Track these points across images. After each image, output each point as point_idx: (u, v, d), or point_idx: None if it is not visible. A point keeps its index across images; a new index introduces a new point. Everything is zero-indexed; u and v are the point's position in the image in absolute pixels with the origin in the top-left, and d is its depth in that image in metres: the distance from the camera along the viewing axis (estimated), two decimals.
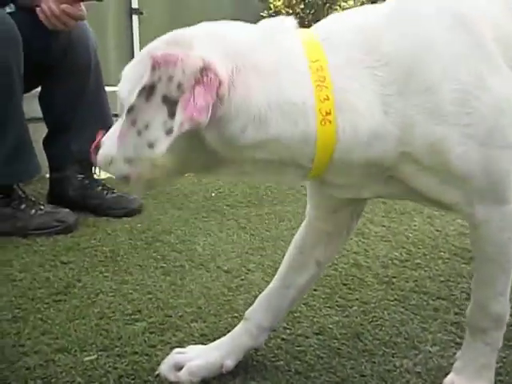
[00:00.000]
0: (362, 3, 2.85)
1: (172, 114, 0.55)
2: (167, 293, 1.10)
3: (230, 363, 0.80)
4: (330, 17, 0.70)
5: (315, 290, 1.13)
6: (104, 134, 0.67)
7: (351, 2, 2.82)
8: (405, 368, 0.84)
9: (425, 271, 1.24)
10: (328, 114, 0.61)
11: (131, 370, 0.81)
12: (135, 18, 3.10)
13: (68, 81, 1.60)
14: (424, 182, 0.68)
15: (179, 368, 0.79)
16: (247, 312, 0.85)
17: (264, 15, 2.88)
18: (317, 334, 0.94)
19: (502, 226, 0.70)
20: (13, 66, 1.36)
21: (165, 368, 0.79)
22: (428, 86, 0.62)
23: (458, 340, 0.92)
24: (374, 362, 0.85)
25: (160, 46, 0.61)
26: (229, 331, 0.93)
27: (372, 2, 2.83)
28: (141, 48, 2.83)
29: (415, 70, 0.63)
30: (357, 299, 1.09)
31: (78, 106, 1.63)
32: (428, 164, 0.65)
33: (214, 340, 0.90)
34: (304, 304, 1.06)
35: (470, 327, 0.78)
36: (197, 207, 1.77)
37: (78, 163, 1.66)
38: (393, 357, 0.87)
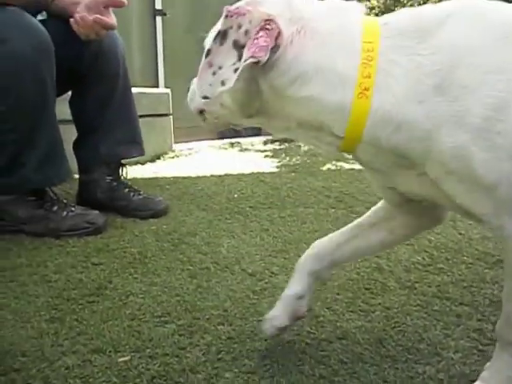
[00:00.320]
0: (385, 4, 2.83)
1: (240, 57, 0.65)
2: (194, 295, 1.13)
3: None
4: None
5: (338, 294, 1.16)
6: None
7: (374, 2, 2.80)
8: (427, 375, 0.85)
9: (447, 276, 1.25)
10: (366, 89, 0.67)
11: (163, 371, 0.85)
12: (159, 19, 3.15)
13: (98, 87, 1.66)
14: (451, 187, 0.69)
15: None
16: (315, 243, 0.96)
17: None
18: (340, 338, 0.96)
19: None
20: (46, 76, 1.40)
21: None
22: (465, 86, 0.64)
23: (480, 347, 0.93)
24: (397, 368, 0.87)
25: (241, 3, 0.71)
26: (255, 334, 0.97)
27: (395, 1, 2.80)
28: (164, 49, 2.91)
29: (458, 69, 0.65)
30: (379, 304, 1.11)
31: (107, 111, 1.68)
32: (453, 168, 0.66)
33: (241, 343, 0.94)
34: (327, 308, 1.08)
35: (498, 339, 0.79)
36: (220, 208, 1.81)
37: (105, 165, 1.72)
38: (415, 363, 0.89)
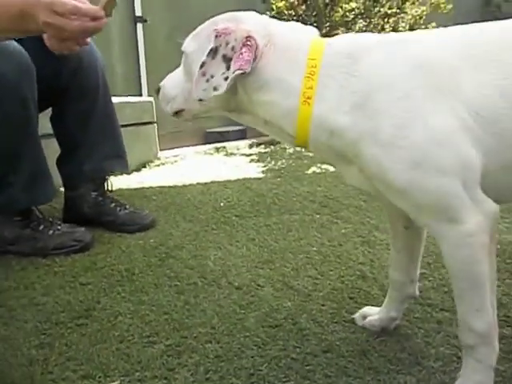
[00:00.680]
0: (364, 5, 2.85)
1: (228, 68, 0.80)
2: (182, 313, 1.15)
3: (394, 314, 1.07)
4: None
5: (323, 305, 1.18)
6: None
7: (353, 4, 2.83)
8: None
9: (429, 281, 1.29)
10: (309, 98, 0.81)
11: None
12: (139, 25, 3.14)
13: (78, 102, 1.66)
14: (377, 187, 0.82)
15: (365, 317, 1.09)
16: (390, 275, 1.08)
17: None
18: (325, 352, 0.99)
19: (459, 243, 0.78)
20: (28, 96, 1.41)
21: (357, 316, 1.11)
22: (377, 108, 0.77)
23: (459, 354, 0.95)
24: (379, 380, 0.90)
25: (219, 21, 0.86)
26: (242, 351, 1.00)
27: (374, 2, 2.83)
28: (146, 56, 2.90)
29: (373, 92, 0.78)
30: None
31: (89, 126, 1.68)
32: (372, 173, 0.80)
33: (228, 361, 0.96)
34: (312, 320, 1.11)
35: (462, 345, 0.84)
36: (207, 219, 1.83)
37: (91, 181, 1.72)
38: (397, 373, 0.92)
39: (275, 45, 0.83)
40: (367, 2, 2.83)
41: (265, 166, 2.63)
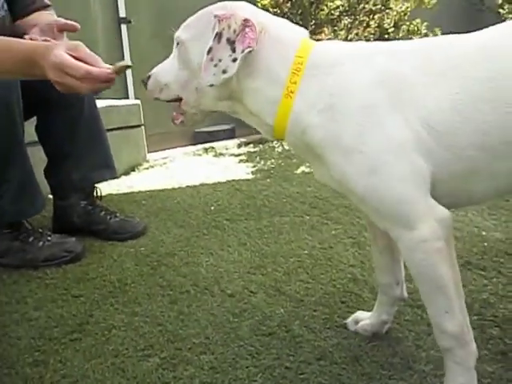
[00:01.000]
0: (349, 2, 2.85)
1: (233, 50, 0.83)
2: (176, 323, 1.16)
3: (385, 317, 1.09)
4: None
5: (315, 310, 1.20)
6: None
7: (338, 2, 2.82)
8: None
9: None
10: (292, 92, 0.86)
11: None
12: (124, 26, 3.11)
13: (63, 111, 1.64)
14: (341, 189, 0.87)
15: (357, 322, 1.11)
16: (377, 278, 1.11)
17: None
18: (318, 359, 1.01)
19: (413, 248, 0.82)
20: (14, 105, 1.39)
21: (349, 321, 1.13)
22: (343, 113, 0.83)
23: None
24: None
25: (214, 10, 0.89)
26: (236, 362, 1.01)
27: (358, 2, 2.83)
28: (131, 56, 2.87)
29: (342, 97, 0.83)
30: None
31: (76, 135, 1.67)
32: (335, 175, 0.85)
33: (223, 372, 0.97)
34: (305, 327, 1.12)
35: (440, 348, 0.86)
36: (198, 223, 1.83)
37: (80, 190, 1.71)
38: (389, 379, 0.94)
39: (269, 33, 0.86)
40: (351, 2, 2.83)
41: (254, 167, 2.63)
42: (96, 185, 1.78)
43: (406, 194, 0.81)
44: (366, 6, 2.88)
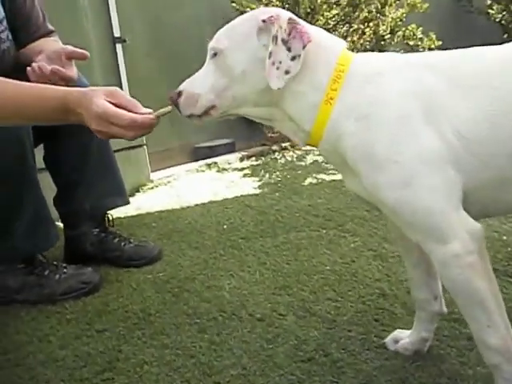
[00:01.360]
0: (344, 11, 2.86)
1: (289, 49, 0.84)
2: (209, 354, 1.12)
3: (425, 334, 1.06)
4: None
5: (349, 330, 1.17)
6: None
7: (334, 11, 2.83)
8: None
9: (449, 293, 1.28)
10: (331, 99, 0.87)
11: None
12: (119, 46, 3.08)
13: (71, 139, 1.60)
14: (372, 198, 0.86)
15: (396, 341, 1.09)
16: (413, 294, 1.09)
17: None
18: None
19: (446, 263, 0.81)
20: (24, 137, 1.36)
21: (388, 340, 1.10)
22: (377, 123, 0.84)
23: None
24: None
25: (259, 15, 0.89)
26: None
27: (353, 8, 2.84)
28: (127, 75, 2.82)
29: (378, 107, 0.85)
30: None
31: (86, 162, 1.63)
32: (366, 185, 0.85)
33: None
34: (343, 350, 1.10)
35: (488, 365, 0.84)
36: (213, 244, 1.80)
37: (92, 218, 1.67)
38: None
39: (313, 39, 0.86)
40: (347, 8, 2.83)
41: (260, 180, 2.60)
42: (107, 213, 1.73)
43: (439, 207, 0.81)
44: (361, 14, 2.89)
